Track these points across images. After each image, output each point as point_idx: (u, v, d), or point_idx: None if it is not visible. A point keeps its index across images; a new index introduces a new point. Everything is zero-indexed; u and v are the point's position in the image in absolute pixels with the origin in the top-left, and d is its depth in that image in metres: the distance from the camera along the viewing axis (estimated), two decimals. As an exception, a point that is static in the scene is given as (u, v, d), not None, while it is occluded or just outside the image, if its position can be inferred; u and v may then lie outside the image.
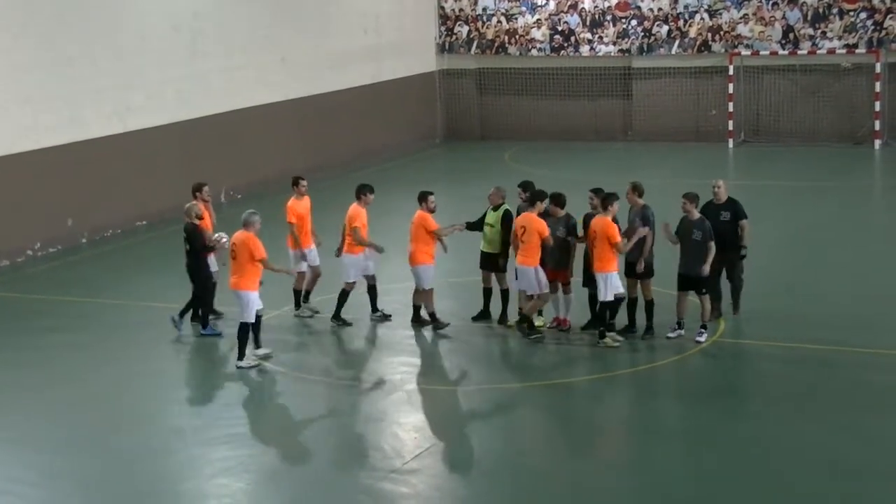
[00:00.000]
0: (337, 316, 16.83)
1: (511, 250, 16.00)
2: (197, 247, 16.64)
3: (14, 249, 22.06)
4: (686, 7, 33.83)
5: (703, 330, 15.49)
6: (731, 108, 32.73)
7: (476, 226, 16.69)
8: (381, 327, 16.85)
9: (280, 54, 29.14)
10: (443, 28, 36.18)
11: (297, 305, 17.51)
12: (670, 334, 15.65)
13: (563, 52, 34.71)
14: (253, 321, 15.36)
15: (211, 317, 17.00)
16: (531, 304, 15.76)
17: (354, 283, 16.77)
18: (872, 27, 31.82)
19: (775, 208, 23.95)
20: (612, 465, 12.30)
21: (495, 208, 16.48)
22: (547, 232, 15.41)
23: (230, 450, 12.80)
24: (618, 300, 15.44)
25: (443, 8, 36.17)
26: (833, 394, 13.86)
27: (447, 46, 35.97)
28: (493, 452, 12.73)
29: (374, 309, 17.01)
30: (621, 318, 15.92)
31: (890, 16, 31.68)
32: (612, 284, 15.16)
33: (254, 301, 15.35)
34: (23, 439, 13.46)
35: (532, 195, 15.80)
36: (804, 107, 32.39)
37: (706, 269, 15.22)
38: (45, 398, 14.74)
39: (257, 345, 15.59)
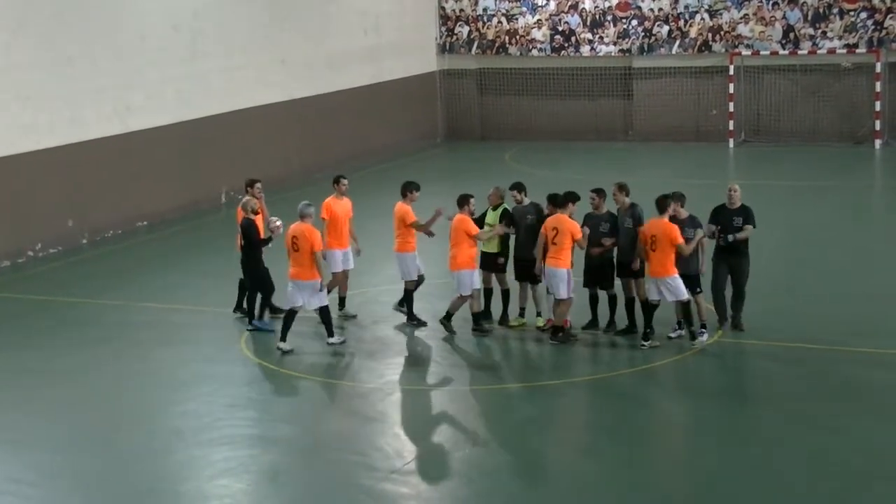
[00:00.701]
0: (411, 316, 16.72)
1: (536, 252, 15.86)
2: (253, 242, 16.53)
3: (14, 250, 22.06)
4: (686, 7, 33.84)
5: (703, 329, 15.48)
6: (731, 108, 32.75)
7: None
8: (380, 328, 16.83)
9: (280, 54, 29.15)
10: (443, 28, 36.19)
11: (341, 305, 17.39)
12: (671, 334, 15.64)
13: (563, 52, 34.72)
14: (327, 303, 15.90)
15: (268, 314, 17.00)
16: (560, 310, 15.66)
17: (416, 280, 16.60)
18: (873, 27, 31.82)
19: (776, 208, 23.93)
20: (612, 465, 12.28)
21: (494, 208, 16.49)
22: (580, 234, 15.41)
23: (231, 450, 12.79)
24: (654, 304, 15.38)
25: (443, 8, 36.18)
26: (833, 393, 13.85)
27: (448, 47, 35.98)
28: (494, 452, 12.72)
29: (402, 304, 16.93)
30: (621, 319, 15.96)
31: (890, 15, 31.69)
32: (674, 287, 15.07)
33: (318, 288, 15.78)
34: (23, 439, 13.46)
35: (564, 197, 15.62)
36: (804, 107, 32.41)
37: (689, 248, 15.15)
38: (46, 398, 14.74)
39: (283, 337, 15.84)
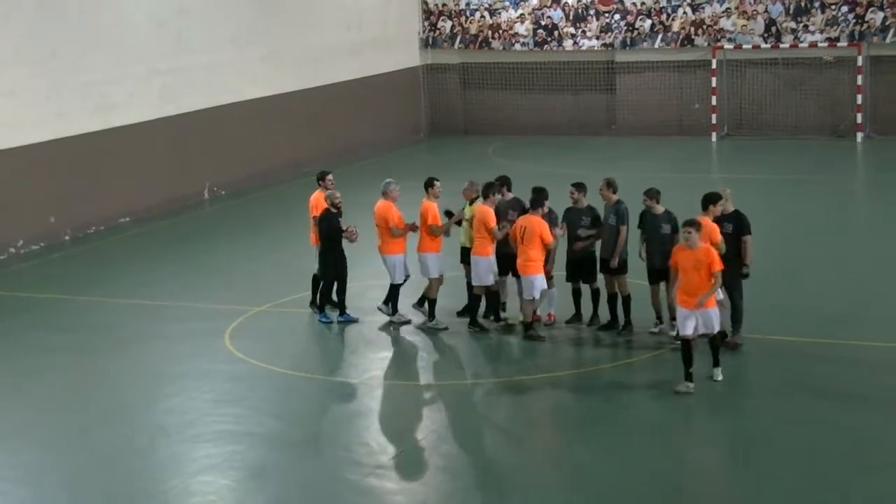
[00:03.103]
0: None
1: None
2: (325, 232, 16.47)
3: (-3, 246, 22.02)
4: (669, 1, 33.89)
5: (675, 322, 15.52)
6: (714, 102, 32.82)
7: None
8: (365, 324, 16.81)
9: (265, 50, 29.10)
10: (426, 23, 36.17)
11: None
12: (653, 329, 15.69)
13: (546, 46, 34.74)
14: (399, 282, 16.25)
15: (328, 307, 16.96)
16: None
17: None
18: (854, 20, 31.94)
19: (758, 201, 23.93)
20: (596, 459, 12.32)
21: (471, 203, 16.46)
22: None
23: (215, 447, 12.80)
24: None
25: (426, 3, 36.15)
26: (816, 386, 13.91)
27: (431, 41, 35.97)
28: (479, 447, 12.76)
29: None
30: (603, 314, 16.01)
31: (871, 9, 31.81)
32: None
33: (399, 264, 16.17)
34: (6, 437, 13.43)
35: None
36: (787, 100, 32.52)
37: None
38: (28, 395, 14.71)
39: (394, 309, 16.37)
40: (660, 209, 15.43)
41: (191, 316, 17.71)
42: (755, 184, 26.35)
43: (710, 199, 14.79)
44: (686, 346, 13.63)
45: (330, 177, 17.28)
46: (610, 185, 15.81)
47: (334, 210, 16.60)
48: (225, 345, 16.22)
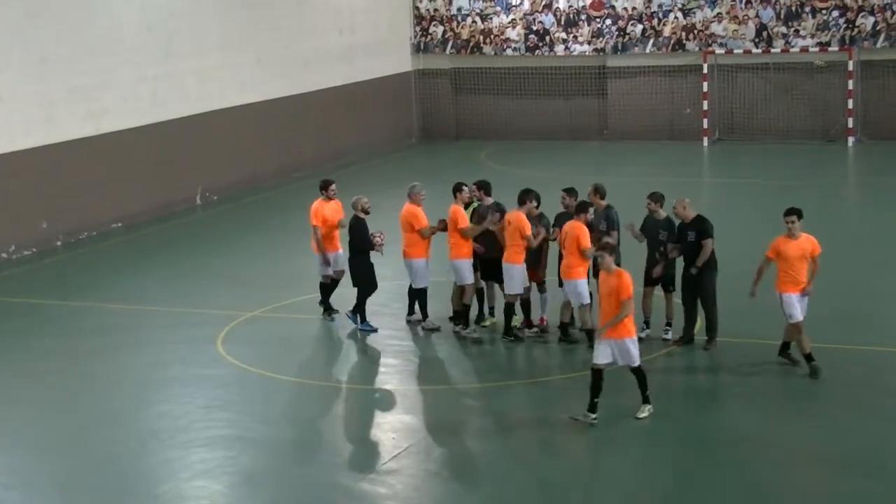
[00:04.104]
0: (463, 321, 16.19)
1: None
2: (356, 242, 16.31)
3: (-12, 252, 21.97)
4: (660, 6, 33.96)
5: (668, 327, 15.56)
6: (705, 107, 32.87)
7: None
8: (357, 330, 16.80)
9: (255, 55, 29.09)
10: (418, 28, 36.19)
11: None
12: (640, 334, 15.66)
13: (538, 51, 34.78)
14: (421, 287, 16.14)
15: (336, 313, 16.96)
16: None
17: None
18: (845, 25, 32.03)
19: (750, 206, 24.08)
20: (585, 464, 12.34)
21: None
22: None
23: (208, 452, 12.78)
24: None
25: (417, 8, 36.18)
26: (806, 390, 13.93)
27: (422, 46, 35.99)
28: (471, 453, 12.75)
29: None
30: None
31: (862, 14, 31.91)
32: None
33: (423, 268, 16.03)
34: (-2, 443, 13.43)
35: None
36: (778, 105, 32.60)
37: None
38: (20, 400, 14.68)
39: (424, 315, 16.34)
40: (662, 214, 15.46)
41: (183, 321, 17.68)
42: (746, 188, 26.40)
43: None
44: (596, 375, 12.88)
45: (333, 186, 17.10)
46: (597, 190, 15.80)
47: (364, 215, 16.40)
48: (217, 350, 16.20)
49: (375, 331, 16.50)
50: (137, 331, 17.27)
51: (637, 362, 12.93)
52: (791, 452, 12.28)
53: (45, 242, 23.06)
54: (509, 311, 15.82)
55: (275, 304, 18.16)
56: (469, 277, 16.06)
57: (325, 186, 17.17)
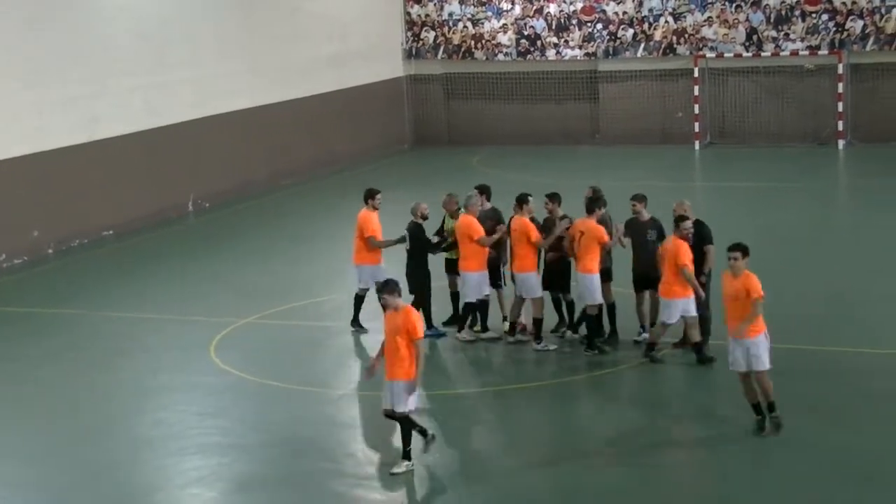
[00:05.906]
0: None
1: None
2: (417, 247, 16.10)
3: (-20, 261, 21.94)
4: (651, 10, 34.05)
5: (641, 329, 15.62)
6: (696, 111, 32.97)
7: (447, 244, 16.29)
8: (351, 335, 16.80)
9: (248, 61, 29.10)
10: (409, 33, 36.24)
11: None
12: (637, 338, 15.70)
13: (529, 56, 34.85)
14: (473, 300, 15.77)
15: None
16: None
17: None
18: (834, 29, 32.14)
19: (741, 209, 24.15)
20: (580, 469, 12.35)
21: (452, 215, 16.45)
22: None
23: (202, 459, 12.78)
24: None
25: (409, 13, 36.23)
26: (797, 392, 13.96)
27: (414, 52, 36.04)
28: (467, 458, 12.76)
29: (484, 325, 16.31)
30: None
31: (851, 17, 32.02)
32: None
33: (477, 281, 15.67)
34: (-8, 452, 13.41)
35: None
36: (769, 108, 32.71)
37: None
38: (14, 410, 14.67)
39: (484, 327, 16.07)
40: (646, 215, 15.48)
41: (176, 328, 17.68)
42: (738, 191, 26.47)
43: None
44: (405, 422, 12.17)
45: (379, 196, 16.56)
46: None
47: (422, 221, 16.20)
48: (210, 357, 16.20)
49: (444, 335, 16.34)
50: (130, 338, 17.25)
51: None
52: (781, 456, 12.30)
53: (36, 251, 23.03)
54: (591, 320, 15.44)
55: (268, 311, 18.16)
56: (538, 290, 15.67)
57: (371, 196, 16.58)
